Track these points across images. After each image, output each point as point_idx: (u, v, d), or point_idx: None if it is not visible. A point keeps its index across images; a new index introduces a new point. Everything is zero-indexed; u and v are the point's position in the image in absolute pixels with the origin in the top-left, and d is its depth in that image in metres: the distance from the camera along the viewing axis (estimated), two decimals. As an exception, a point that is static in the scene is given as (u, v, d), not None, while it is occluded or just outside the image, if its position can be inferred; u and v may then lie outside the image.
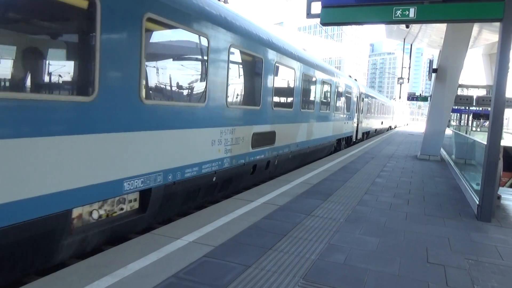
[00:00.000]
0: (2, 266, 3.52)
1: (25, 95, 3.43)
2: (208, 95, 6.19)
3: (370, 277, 3.70)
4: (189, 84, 5.85)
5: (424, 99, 27.34)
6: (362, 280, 3.62)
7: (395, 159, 13.50)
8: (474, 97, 22.13)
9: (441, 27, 14.49)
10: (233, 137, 7.02)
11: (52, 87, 3.83)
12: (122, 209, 4.82)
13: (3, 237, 3.29)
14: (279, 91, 9.41)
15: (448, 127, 16.67)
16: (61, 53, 4.00)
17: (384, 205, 6.63)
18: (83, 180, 3.98)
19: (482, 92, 24.22)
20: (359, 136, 21.61)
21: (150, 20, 4.72)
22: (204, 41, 6.00)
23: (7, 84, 3.41)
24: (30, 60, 3.68)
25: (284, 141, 9.69)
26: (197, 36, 5.82)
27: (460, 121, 33.14)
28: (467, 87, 24.13)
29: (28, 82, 3.66)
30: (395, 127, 48.04)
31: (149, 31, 4.82)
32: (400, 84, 27.14)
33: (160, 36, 5.25)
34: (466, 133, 21.23)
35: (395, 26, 16.96)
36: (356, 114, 20.03)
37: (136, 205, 5.04)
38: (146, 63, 4.77)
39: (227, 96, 6.73)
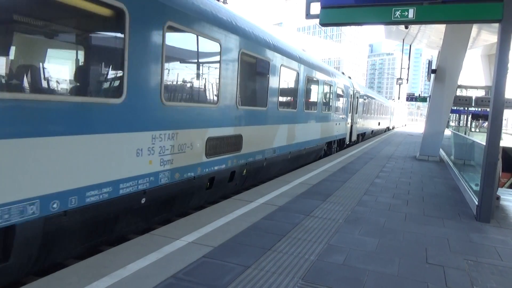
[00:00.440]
0: None
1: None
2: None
3: (369, 277, 3.70)
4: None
5: (423, 99, 27.37)
6: (361, 280, 3.62)
7: (394, 160, 13.51)
8: (473, 98, 22.17)
9: (440, 28, 14.51)
10: (175, 143, 5.44)
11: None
12: None
13: None
14: (247, 87, 7.87)
15: (447, 127, 16.69)
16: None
17: (383, 206, 6.63)
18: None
19: (481, 93, 24.26)
20: (354, 138, 20.07)
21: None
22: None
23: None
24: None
25: (256, 147, 8.11)
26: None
27: (459, 122, 33.19)
28: (466, 87, 24.17)
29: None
30: (393, 128, 46.98)
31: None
32: (399, 85, 27.17)
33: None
34: (465, 133, 21.25)
35: (394, 27, 16.97)
36: (350, 115, 18.53)
37: None
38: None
39: (161, 91, 5.11)
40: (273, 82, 8.85)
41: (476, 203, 6.35)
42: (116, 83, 4.48)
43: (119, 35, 4.44)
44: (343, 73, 18.67)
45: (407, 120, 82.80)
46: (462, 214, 6.43)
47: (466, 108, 27.16)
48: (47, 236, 3.79)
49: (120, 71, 4.46)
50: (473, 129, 31.97)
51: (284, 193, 7.11)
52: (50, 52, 4.01)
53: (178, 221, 5.07)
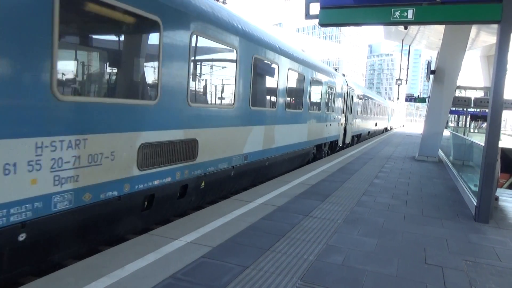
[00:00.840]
0: None
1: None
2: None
3: (368, 278, 3.70)
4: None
5: (422, 100, 27.41)
6: (360, 281, 3.62)
7: (393, 160, 13.52)
8: (472, 99, 22.19)
9: (440, 29, 14.53)
10: (82, 153, 4.01)
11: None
12: None
13: None
14: (205, 80, 6.59)
15: (446, 128, 16.72)
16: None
17: (382, 206, 6.63)
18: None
19: (480, 94, 24.27)
20: (348, 140, 18.63)
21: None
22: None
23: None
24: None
25: (218, 153, 6.70)
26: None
27: (458, 123, 33.26)
28: (465, 88, 24.19)
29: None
30: (391, 129, 45.92)
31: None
32: (398, 85, 27.21)
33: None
34: (464, 134, 21.29)
35: (393, 28, 16.99)
36: (343, 115, 17.08)
37: None
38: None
39: (52, 81, 3.68)
40: (244, 80, 7.37)
41: (475, 203, 6.35)
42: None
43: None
44: (335, 69, 17.09)
45: (405, 120, 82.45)
46: (461, 215, 6.43)
47: (465, 109, 27.21)
48: None
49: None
50: (472, 130, 32.05)
51: (283, 193, 7.11)
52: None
53: (177, 221, 5.06)
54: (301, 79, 10.82)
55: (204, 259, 3.90)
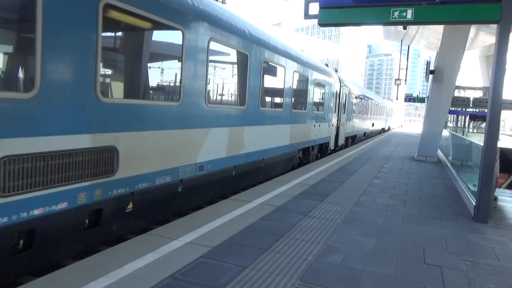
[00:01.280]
0: None
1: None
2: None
3: (367, 278, 3.70)
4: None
5: (421, 100, 27.45)
6: (359, 281, 3.62)
7: (392, 160, 13.53)
8: (471, 99, 22.22)
9: (439, 29, 14.54)
10: None
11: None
12: None
13: None
14: (132, 68, 5.03)
15: (445, 128, 16.73)
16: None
17: (381, 206, 6.63)
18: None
19: (479, 94, 24.29)
20: (341, 141, 17.20)
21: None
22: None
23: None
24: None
25: (154, 164, 5.09)
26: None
27: (457, 123, 33.31)
28: (464, 88, 24.21)
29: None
30: (389, 129, 44.53)
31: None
32: (398, 85, 27.24)
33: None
34: (462, 134, 21.31)
35: (392, 28, 17.00)
36: (335, 114, 15.65)
37: None
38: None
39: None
40: (197, 65, 5.94)
41: (474, 203, 6.36)
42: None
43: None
44: (326, 65, 15.64)
45: (403, 120, 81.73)
46: (460, 215, 6.44)
47: (464, 109, 27.24)
48: None
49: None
50: (470, 130, 32.09)
51: (282, 193, 7.10)
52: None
53: (175, 221, 5.06)
54: (280, 73, 9.30)
55: (203, 259, 3.89)
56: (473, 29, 14.89)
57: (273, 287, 3.38)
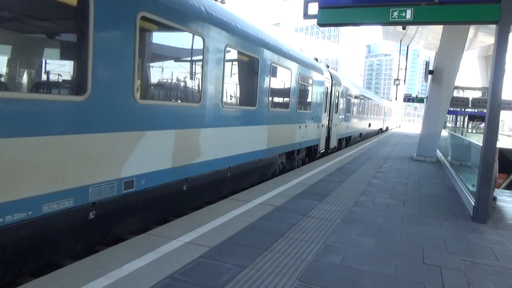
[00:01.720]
0: None
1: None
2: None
3: (366, 278, 3.70)
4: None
5: (420, 100, 27.49)
6: (358, 281, 3.62)
7: (391, 160, 13.53)
8: (470, 99, 22.25)
9: (438, 29, 14.56)
10: None
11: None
12: None
13: None
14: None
15: (444, 128, 16.75)
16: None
17: (380, 206, 6.63)
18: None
19: (477, 94, 24.34)
20: (333, 144, 15.67)
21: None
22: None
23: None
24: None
25: (42, 184, 3.61)
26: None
27: (456, 123, 33.35)
28: (463, 89, 24.25)
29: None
30: (386, 130, 43.15)
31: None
32: (397, 86, 27.27)
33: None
34: (461, 134, 21.34)
35: (391, 28, 17.01)
36: (326, 114, 14.21)
37: None
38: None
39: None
40: (128, 60, 4.62)
41: (473, 203, 6.36)
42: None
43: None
44: (316, 59, 13.99)
45: (402, 120, 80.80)
46: (459, 215, 6.44)
47: (463, 109, 27.28)
48: None
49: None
50: (469, 130, 32.13)
51: (281, 193, 7.10)
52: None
53: (174, 221, 5.05)
54: (252, 64, 7.86)
55: (202, 259, 3.89)
56: (472, 29, 14.91)
57: (272, 287, 3.37)
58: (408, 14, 6.47)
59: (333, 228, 5.22)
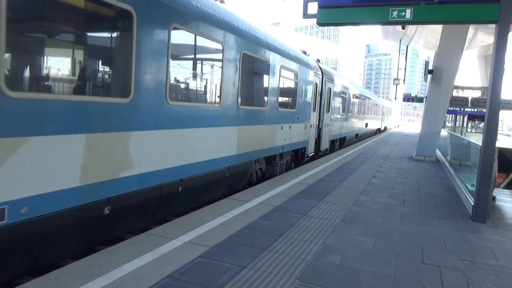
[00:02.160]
0: None
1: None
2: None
3: (366, 277, 3.70)
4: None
5: (420, 100, 27.50)
6: (358, 280, 3.62)
7: (390, 160, 13.54)
8: (469, 99, 22.26)
9: (437, 29, 14.56)
10: None
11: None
12: None
13: None
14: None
15: (444, 128, 16.76)
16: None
17: (380, 206, 6.64)
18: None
19: (477, 94, 24.37)
20: (324, 146, 14.42)
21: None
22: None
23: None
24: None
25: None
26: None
27: (455, 122, 33.36)
28: (463, 88, 24.27)
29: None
30: (385, 129, 41.70)
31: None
32: (396, 85, 27.28)
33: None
34: (461, 134, 21.35)
35: (391, 27, 17.01)
36: (315, 113, 12.82)
37: None
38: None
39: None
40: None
41: (472, 203, 6.36)
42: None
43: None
44: (304, 52, 12.64)
45: (401, 120, 79.48)
46: (458, 214, 6.44)
47: (462, 109, 27.29)
48: None
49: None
50: (469, 130, 32.14)
51: (281, 193, 7.10)
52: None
53: (174, 221, 5.05)
54: (214, 51, 6.52)
55: (202, 258, 3.89)
56: (471, 29, 14.91)
57: (271, 287, 3.37)
58: (408, 13, 6.47)
59: (332, 227, 5.22)
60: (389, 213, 6.23)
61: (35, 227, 3.61)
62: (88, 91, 4.22)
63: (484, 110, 6.57)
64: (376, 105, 31.79)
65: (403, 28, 15.08)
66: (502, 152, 14.37)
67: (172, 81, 5.48)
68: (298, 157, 11.78)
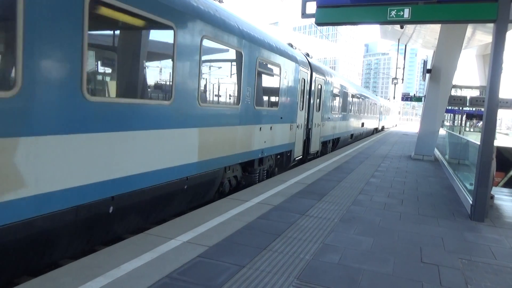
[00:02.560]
0: None
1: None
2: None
3: (364, 277, 3.71)
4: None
5: (418, 99, 27.49)
6: (357, 280, 3.63)
7: (389, 159, 13.55)
8: (468, 98, 22.30)
9: (436, 28, 14.58)
10: None
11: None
12: None
13: None
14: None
15: (442, 127, 16.79)
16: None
17: (378, 205, 6.64)
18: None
19: (475, 93, 24.40)
20: (314, 148, 13.22)
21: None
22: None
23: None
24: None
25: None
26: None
27: (454, 122, 33.40)
28: (461, 87, 24.30)
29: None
30: (382, 129, 40.64)
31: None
32: (395, 85, 27.29)
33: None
34: (459, 133, 21.38)
35: (389, 27, 17.03)
36: (303, 112, 11.61)
37: None
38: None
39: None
40: None
41: (471, 202, 6.38)
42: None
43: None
44: (290, 44, 11.38)
45: (399, 119, 78.34)
46: (457, 213, 6.46)
47: (460, 108, 27.33)
48: None
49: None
50: (467, 129, 32.18)
51: (280, 192, 7.10)
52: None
53: (173, 221, 5.05)
54: (162, 36, 5.30)
55: (200, 258, 3.89)
56: (469, 28, 14.94)
57: (270, 286, 3.38)
58: (406, 13, 6.47)
59: (331, 227, 5.23)
60: (387, 212, 6.24)
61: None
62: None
63: (483, 109, 6.57)
64: (373, 104, 30.68)
65: (402, 27, 15.10)
66: (500, 151, 14.40)
67: (85, 69, 4.11)
68: (283, 161, 10.61)
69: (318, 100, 13.18)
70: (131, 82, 4.83)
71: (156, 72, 5.37)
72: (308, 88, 11.98)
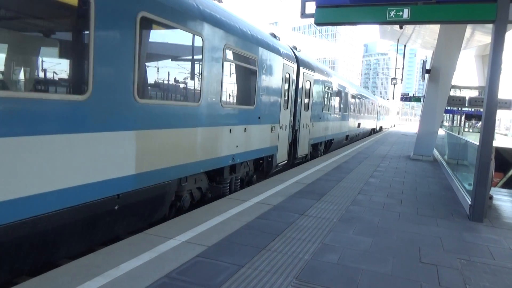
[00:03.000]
0: None
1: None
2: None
3: (363, 276, 3.71)
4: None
5: (417, 99, 27.50)
6: (355, 280, 3.63)
7: (388, 159, 13.57)
8: (467, 98, 22.34)
9: (435, 28, 14.60)
10: None
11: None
12: None
13: None
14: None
15: (441, 127, 16.81)
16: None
17: (377, 205, 6.65)
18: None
19: (474, 93, 24.45)
20: (303, 151, 11.90)
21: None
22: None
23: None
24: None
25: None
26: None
27: (453, 122, 33.43)
28: (460, 88, 24.34)
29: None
30: (380, 130, 39.27)
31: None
32: (394, 85, 27.31)
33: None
34: (458, 133, 21.40)
35: (389, 27, 17.04)
36: (288, 111, 10.35)
37: None
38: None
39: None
40: None
41: (469, 202, 6.39)
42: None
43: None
44: (274, 35, 10.00)
45: (397, 120, 77.60)
46: (455, 214, 6.46)
47: (459, 108, 27.36)
48: None
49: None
50: (466, 129, 32.22)
51: (279, 192, 7.10)
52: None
53: (172, 221, 5.04)
54: (80, 11, 3.96)
55: (199, 258, 3.89)
56: (469, 28, 14.96)
57: (269, 286, 3.38)
58: (405, 13, 6.48)
59: (330, 227, 5.23)
60: (386, 212, 6.24)
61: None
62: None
63: (481, 110, 6.58)
64: (371, 103, 29.33)
65: (401, 27, 15.10)
66: (499, 151, 14.44)
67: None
68: (263, 168, 9.44)
69: (306, 98, 11.92)
70: (40, 74, 3.77)
71: (68, 58, 4.04)
72: (294, 85, 10.74)
